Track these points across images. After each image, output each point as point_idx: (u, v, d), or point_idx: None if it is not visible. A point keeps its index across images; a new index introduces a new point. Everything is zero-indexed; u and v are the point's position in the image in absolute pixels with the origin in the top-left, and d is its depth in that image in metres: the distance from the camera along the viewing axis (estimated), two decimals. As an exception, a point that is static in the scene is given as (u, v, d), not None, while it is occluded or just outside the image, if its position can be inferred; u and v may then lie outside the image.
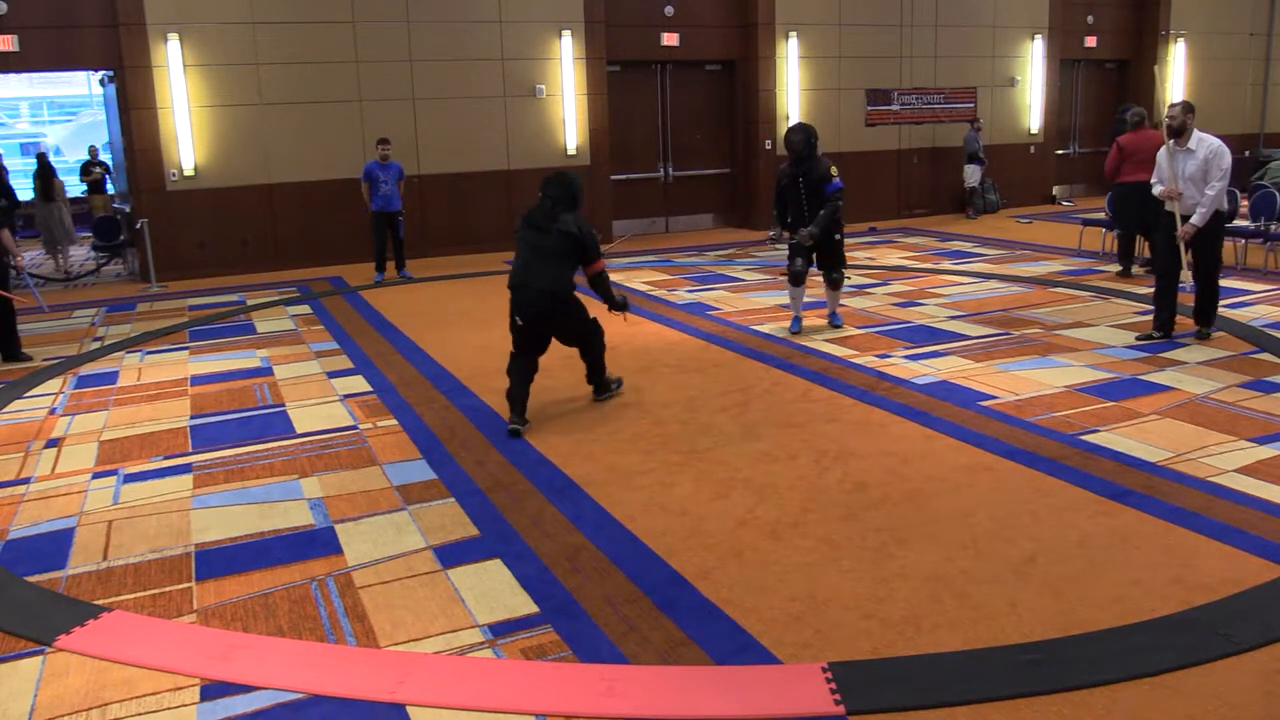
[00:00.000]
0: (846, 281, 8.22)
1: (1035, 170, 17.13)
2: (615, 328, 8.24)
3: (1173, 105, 6.94)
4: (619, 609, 3.51)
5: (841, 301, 8.19)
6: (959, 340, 7.38)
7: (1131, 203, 9.45)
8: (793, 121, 14.64)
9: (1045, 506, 4.28)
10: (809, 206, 7.43)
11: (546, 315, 5.59)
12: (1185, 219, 6.84)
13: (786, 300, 8.07)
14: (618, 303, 5.93)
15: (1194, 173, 6.78)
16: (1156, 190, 7.07)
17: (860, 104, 14.79)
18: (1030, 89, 16.76)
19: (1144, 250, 10.69)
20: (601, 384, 6.02)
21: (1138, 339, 7.21)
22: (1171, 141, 6.88)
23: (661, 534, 4.13)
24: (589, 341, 5.85)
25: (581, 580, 3.74)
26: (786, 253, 7.80)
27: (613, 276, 10.80)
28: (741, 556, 3.90)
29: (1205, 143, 6.78)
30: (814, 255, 7.67)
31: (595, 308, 6.06)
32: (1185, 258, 6.96)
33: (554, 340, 5.82)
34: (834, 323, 7.94)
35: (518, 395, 5.58)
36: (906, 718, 2.85)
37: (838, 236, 7.63)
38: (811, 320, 8.21)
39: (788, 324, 7.93)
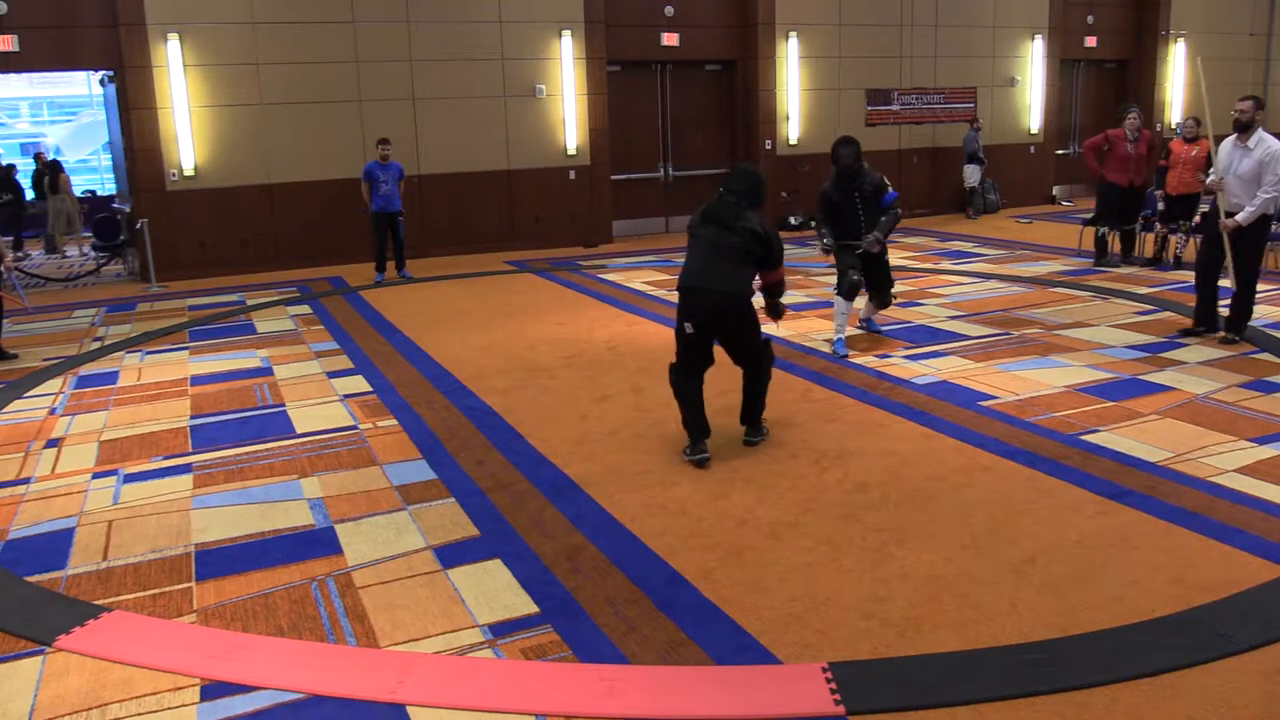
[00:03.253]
0: (894, 300, 7.84)
1: (1035, 170, 17.15)
2: (617, 328, 8.26)
3: (1242, 99, 6.90)
4: (619, 609, 3.51)
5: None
6: (959, 340, 7.38)
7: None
8: (793, 122, 14.70)
9: (1045, 506, 4.28)
10: (866, 219, 7.08)
11: (724, 321, 4.95)
12: (1229, 214, 6.83)
13: (866, 283, 7.41)
14: (780, 311, 5.40)
15: (1246, 171, 6.74)
16: (1208, 181, 7.14)
17: (860, 104, 14.79)
18: (1030, 89, 16.77)
19: (1140, 248, 10.73)
20: (758, 422, 5.29)
21: (1179, 334, 7.17)
22: (1234, 136, 6.87)
23: (661, 534, 4.13)
24: (760, 361, 5.17)
25: (581, 580, 3.74)
26: (835, 269, 7.31)
27: (612, 277, 10.88)
28: (741, 556, 3.90)
29: (1265, 144, 6.72)
30: (864, 272, 7.23)
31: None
32: (1228, 254, 6.88)
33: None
34: (871, 327, 7.68)
35: (696, 419, 5.01)
36: (906, 718, 2.85)
37: (886, 257, 7.36)
38: (813, 325, 8.21)
39: (830, 340, 7.23)
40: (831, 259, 7.42)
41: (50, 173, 14.67)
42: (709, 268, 4.91)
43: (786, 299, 6.93)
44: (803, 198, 14.47)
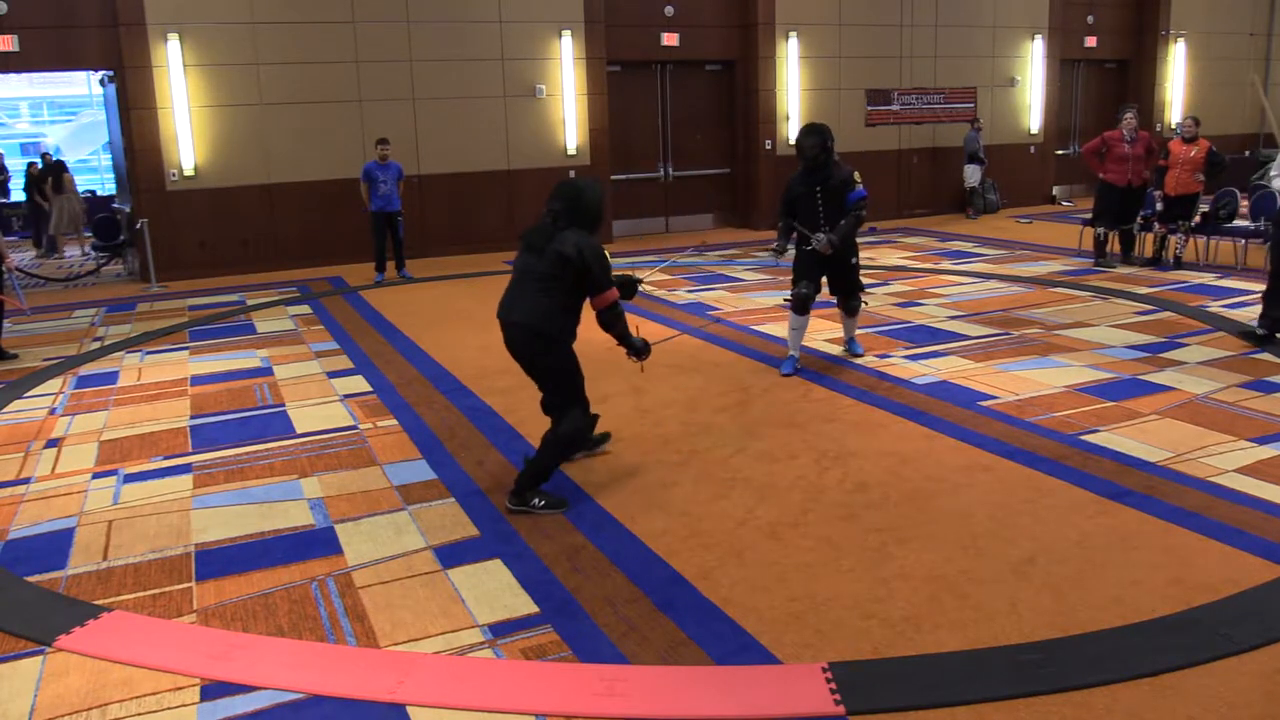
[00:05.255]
0: (865, 306, 7.19)
1: (1035, 170, 17.14)
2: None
3: None
4: (619, 609, 3.51)
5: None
6: (959, 340, 7.38)
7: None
8: (793, 122, 14.68)
9: (1045, 506, 4.28)
10: (826, 219, 6.40)
11: (520, 358, 4.49)
12: None
13: (831, 291, 6.89)
14: (636, 346, 4.65)
15: None
16: (1276, 184, 7.00)
17: (860, 104, 14.78)
18: (1030, 89, 16.77)
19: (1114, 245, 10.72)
20: (521, 489, 4.44)
21: (1241, 333, 6.98)
22: None
23: (661, 534, 4.13)
24: (562, 408, 4.52)
25: (581, 580, 3.74)
26: (791, 276, 6.74)
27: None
28: (741, 556, 3.90)
29: None
30: (824, 280, 6.69)
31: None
32: None
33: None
34: (853, 350, 7.04)
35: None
36: (906, 718, 2.85)
37: (853, 260, 6.66)
38: (812, 325, 8.19)
39: (786, 354, 6.79)
40: (787, 260, 6.82)
41: (54, 173, 14.81)
42: (511, 297, 4.44)
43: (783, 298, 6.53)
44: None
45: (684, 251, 7.27)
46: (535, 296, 4.35)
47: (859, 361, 6.84)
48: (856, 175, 6.43)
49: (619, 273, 4.76)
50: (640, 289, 4.87)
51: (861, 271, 6.86)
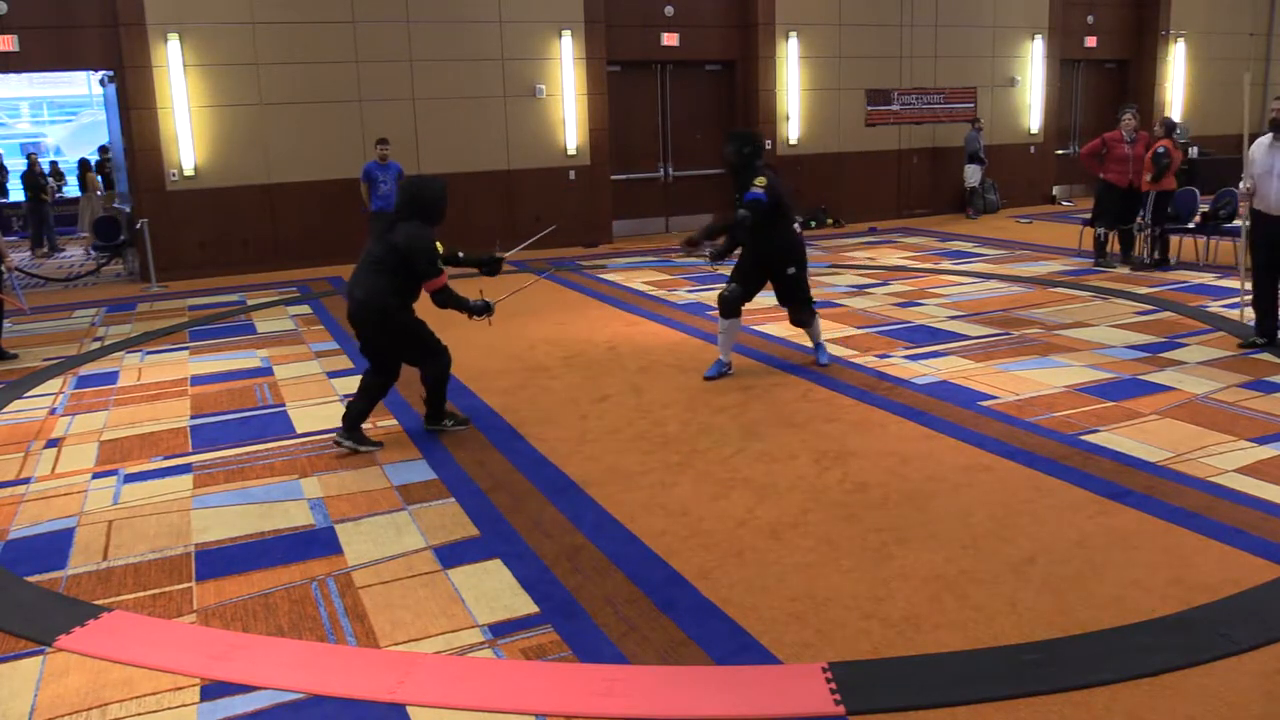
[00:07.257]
0: (819, 316, 6.85)
1: (1035, 170, 17.15)
2: (617, 328, 8.26)
3: (1278, 98, 6.65)
4: (619, 609, 3.51)
5: (837, 302, 8.06)
6: (959, 340, 7.38)
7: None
8: (793, 122, 14.70)
9: (1045, 506, 4.28)
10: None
11: (359, 329, 5.30)
12: (1272, 218, 6.58)
13: (778, 301, 6.71)
14: (476, 308, 5.38)
15: None
16: (1243, 186, 6.84)
17: (860, 104, 14.79)
18: (1030, 89, 16.77)
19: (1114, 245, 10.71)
20: (435, 413, 5.55)
21: (1240, 346, 6.82)
22: (1270, 135, 6.68)
23: (661, 534, 4.13)
24: (424, 363, 5.37)
25: (581, 580, 3.74)
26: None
27: (612, 277, 10.88)
28: (741, 556, 3.90)
29: None
30: (773, 289, 6.54)
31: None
32: None
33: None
34: (820, 360, 6.72)
35: (352, 408, 5.37)
36: (906, 718, 2.85)
37: (791, 271, 6.37)
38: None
39: (717, 348, 6.63)
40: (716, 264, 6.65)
41: (80, 172, 15.06)
42: (354, 275, 5.29)
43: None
44: (804, 197, 14.47)
45: (540, 275, 7.29)
46: (370, 276, 5.18)
47: (859, 361, 6.84)
48: (758, 180, 6.11)
49: (487, 251, 5.87)
50: (502, 268, 5.89)
51: (808, 282, 6.63)
